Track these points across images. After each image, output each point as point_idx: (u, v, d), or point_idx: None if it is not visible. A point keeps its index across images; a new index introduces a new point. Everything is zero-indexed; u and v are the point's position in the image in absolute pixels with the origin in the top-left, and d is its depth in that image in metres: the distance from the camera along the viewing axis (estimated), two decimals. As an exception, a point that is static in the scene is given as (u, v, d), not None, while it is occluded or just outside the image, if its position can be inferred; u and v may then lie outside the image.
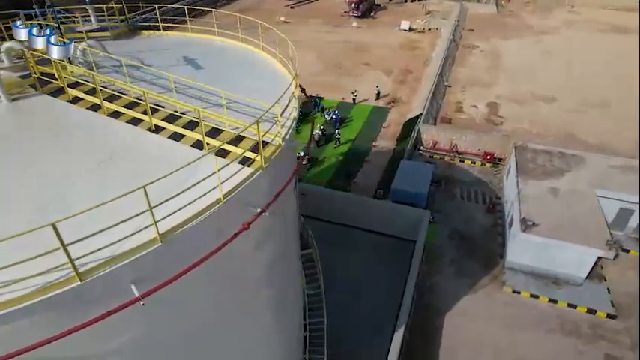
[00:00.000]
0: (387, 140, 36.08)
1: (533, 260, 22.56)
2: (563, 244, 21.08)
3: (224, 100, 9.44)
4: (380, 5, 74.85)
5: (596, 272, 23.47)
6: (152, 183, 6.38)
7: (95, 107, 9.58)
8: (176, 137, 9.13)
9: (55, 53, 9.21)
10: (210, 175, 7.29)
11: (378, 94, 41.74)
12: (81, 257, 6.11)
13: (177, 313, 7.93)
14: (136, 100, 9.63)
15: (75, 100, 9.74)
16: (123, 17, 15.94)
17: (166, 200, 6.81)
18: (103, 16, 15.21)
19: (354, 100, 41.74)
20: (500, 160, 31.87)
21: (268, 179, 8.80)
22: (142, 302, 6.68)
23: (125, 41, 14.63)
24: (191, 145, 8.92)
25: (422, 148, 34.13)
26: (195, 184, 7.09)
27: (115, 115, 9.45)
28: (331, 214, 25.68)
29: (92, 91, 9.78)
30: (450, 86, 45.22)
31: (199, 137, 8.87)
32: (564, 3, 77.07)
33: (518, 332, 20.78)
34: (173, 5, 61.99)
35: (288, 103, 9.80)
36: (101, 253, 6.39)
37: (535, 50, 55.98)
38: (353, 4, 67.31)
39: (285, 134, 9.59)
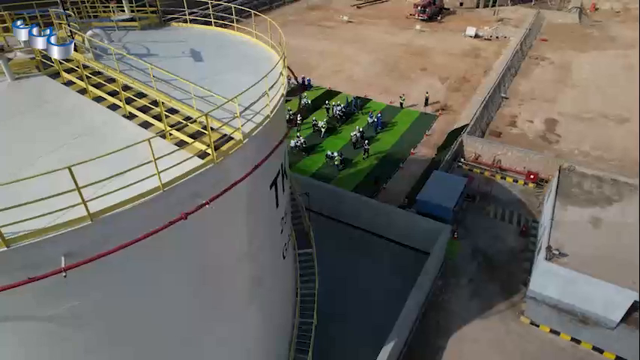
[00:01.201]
0: (428, 148, 34.86)
1: (559, 293, 20.62)
2: (591, 280, 19.06)
3: (190, 91, 9.70)
4: (449, 9, 72.25)
5: (635, 318, 20.97)
6: (78, 164, 6.82)
7: (84, 91, 10.35)
8: (146, 125, 9.60)
9: (56, 53, 9.93)
10: (146, 163, 7.59)
11: (427, 100, 40.41)
12: (8, 225, 6.66)
13: (111, 291, 8.32)
14: (116, 88, 10.26)
15: (69, 83, 10.59)
16: (153, 9, 16.95)
17: (98, 181, 7.21)
18: (133, 7, 16.29)
19: (401, 104, 40.78)
20: (545, 180, 29.51)
21: (221, 173, 8.95)
22: (64, 274, 7.13)
23: (148, 32, 15.48)
24: (156, 133, 9.31)
25: (462, 160, 32.53)
26: (129, 170, 7.44)
27: (99, 99, 10.13)
28: (349, 217, 25.47)
29: (87, 77, 10.58)
30: (507, 98, 42.61)
31: (164, 126, 9.23)
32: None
33: (530, 368, 19.23)
34: (230, 4, 64.53)
35: (258, 100, 9.85)
36: (33, 223, 6.91)
37: (616, 65, 50.87)
38: (419, 7, 65.60)
39: (252, 131, 9.68)
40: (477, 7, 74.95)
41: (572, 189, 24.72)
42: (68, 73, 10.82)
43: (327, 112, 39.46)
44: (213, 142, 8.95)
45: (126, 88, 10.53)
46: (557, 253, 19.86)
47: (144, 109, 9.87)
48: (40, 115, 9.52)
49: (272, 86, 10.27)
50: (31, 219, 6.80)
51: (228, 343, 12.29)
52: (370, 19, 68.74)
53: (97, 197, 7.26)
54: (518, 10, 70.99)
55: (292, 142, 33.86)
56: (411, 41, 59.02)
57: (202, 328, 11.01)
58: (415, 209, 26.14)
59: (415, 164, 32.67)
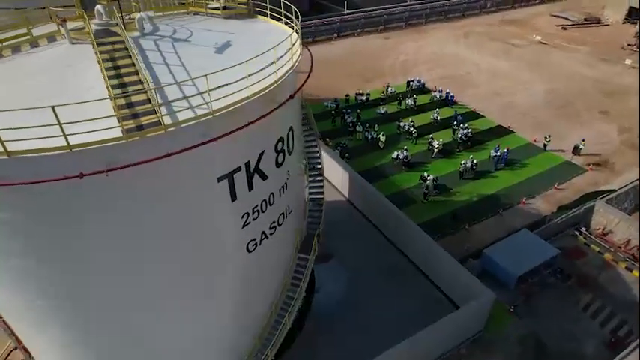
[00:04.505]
0: (547, 203, 29.17)
1: None
2: None
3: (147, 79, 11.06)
4: (692, 46, 56.21)
5: None
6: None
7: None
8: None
9: None
10: (53, 125, 9.30)
11: (576, 148, 33.25)
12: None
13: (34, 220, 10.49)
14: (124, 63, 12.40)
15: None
16: (243, 1, 18.88)
17: (21, 128, 9.18)
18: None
19: (544, 145, 34.74)
20: (687, 293, 21.62)
21: (132, 151, 10.09)
22: (-22, 188, 9.53)
23: (224, 21, 17.24)
24: (112, 107, 11.03)
25: (583, 230, 26.20)
26: (44, 126, 9.24)
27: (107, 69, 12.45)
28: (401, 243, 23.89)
29: (112, 51, 13.06)
30: None
31: (120, 102, 10.90)
32: None
33: None
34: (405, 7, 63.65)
35: (197, 94, 10.69)
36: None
37: None
38: (642, 38, 53.07)
39: (179, 123, 10.49)
40: None
41: None
42: (101, 45, 13.37)
43: (454, 133, 36.55)
44: (149, 122, 10.35)
45: (132, 65, 12.65)
46: (606, 381, 14.94)
47: (124, 86, 11.72)
48: (54, 72, 12.27)
49: (215, 88, 10.73)
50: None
51: (169, 323, 13.57)
52: (569, 44, 59.05)
53: (19, 140, 9.34)
54: None
55: (394, 154, 32.82)
56: (608, 77, 48.74)
57: (139, 303, 12.44)
58: (479, 263, 22.81)
59: (519, 216, 27.90)
